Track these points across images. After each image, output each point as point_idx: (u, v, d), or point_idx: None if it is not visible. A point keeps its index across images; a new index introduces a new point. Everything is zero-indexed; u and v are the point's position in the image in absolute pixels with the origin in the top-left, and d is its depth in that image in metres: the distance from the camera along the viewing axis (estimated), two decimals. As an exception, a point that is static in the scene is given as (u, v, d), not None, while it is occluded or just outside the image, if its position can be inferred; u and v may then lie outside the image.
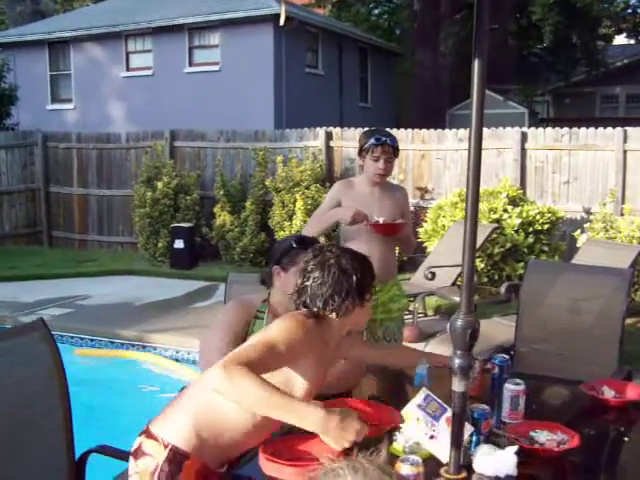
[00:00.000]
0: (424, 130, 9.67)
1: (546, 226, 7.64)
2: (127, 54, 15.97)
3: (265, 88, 14.32)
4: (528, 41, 20.94)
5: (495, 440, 2.17)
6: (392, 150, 3.64)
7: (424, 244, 7.97)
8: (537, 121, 17.95)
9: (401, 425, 2.15)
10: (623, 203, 8.21)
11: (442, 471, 2.00)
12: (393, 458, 1.90)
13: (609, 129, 8.57)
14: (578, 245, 7.03)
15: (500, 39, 18.99)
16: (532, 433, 2.22)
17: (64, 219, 12.31)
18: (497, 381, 2.56)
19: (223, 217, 10.15)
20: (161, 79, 15.24)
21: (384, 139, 3.60)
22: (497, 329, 5.00)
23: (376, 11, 25.02)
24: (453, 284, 6.29)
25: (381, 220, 3.60)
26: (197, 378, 2.19)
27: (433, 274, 6.03)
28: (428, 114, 16.39)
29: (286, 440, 2.09)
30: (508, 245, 7.39)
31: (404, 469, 1.78)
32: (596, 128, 8.69)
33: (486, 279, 7.32)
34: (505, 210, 7.62)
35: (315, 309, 2.15)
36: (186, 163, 11.20)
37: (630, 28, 23.50)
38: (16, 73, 15.43)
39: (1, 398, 2.21)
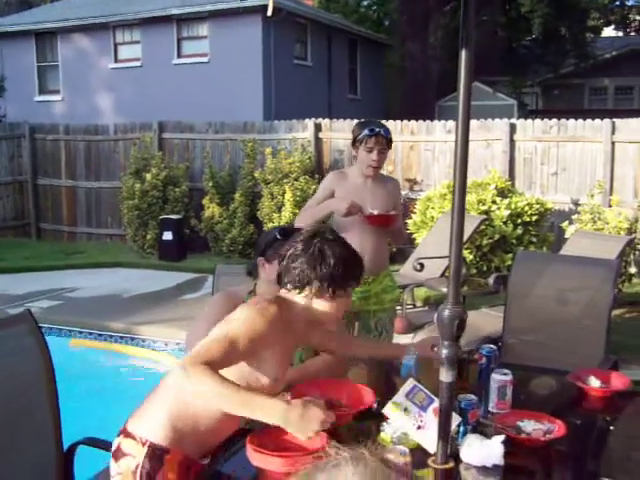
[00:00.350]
0: (413, 121, 9.67)
1: (534, 217, 7.66)
2: (115, 45, 15.89)
3: (254, 79, 14.29)
4: (517, 33, 20.96)
5: (482, 430, 2.19)
6: (385, 141, 3.64)
7: (413, 235, 7.97)
8: (526, 113, 18.00)
9: (374, 406, 2.19)
10: (611, 194, 8.25)
11: (430, 461, 2.01)
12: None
13: (597, 121, 8.60)
14: (566, 236, 7.05)
15: (489, 31, 19.04)
16: (519, 423, 2.24)
17: (52, 211, 12.25)
18: (484, 371, 2.57)
19: (212, 209, 10.13)
20: (149, 70, 15.17)
21: (378, 130, 3.60)
22: (485, 320, 5.02)
23: (365, 2, 24.98)
24: (442, 275, 6.30)
25: (375, 212, 3.60)
26: (168, 373, 2.16)
27: (422, 265, 6.04)
28: (417, 106, 16.40)
29: (273, 431, 2.09)
30: (497, 236, 7.41)
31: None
32: (584, 120, 8.72)
33: (475, 270, 7.34)
34: (494, 201, 7.63)
35: (282, 285, 2.13)
36: (175, 155, 11.17)
37: (618, 20, 23.59)
38: (3, 64, 15.36)
39: (-12, 390, 2.21)
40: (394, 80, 20.36)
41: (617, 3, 23.18)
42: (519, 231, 7.50)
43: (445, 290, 1.95)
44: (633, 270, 7.14)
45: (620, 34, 25.68)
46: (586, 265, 3.89)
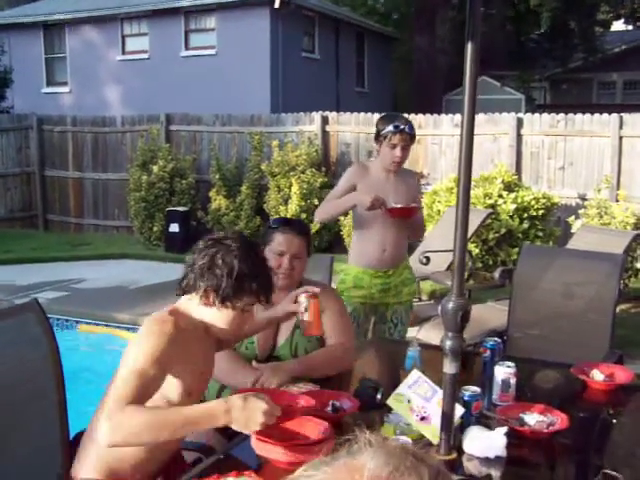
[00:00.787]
0: (420, 115, 9.66)
1: (541, 212, 7.65)
2: (123, 37, 15.88)
3: (261, 72, 14.27)
4: (525, 27, 20.85)
5: (485, 422, 2.20)
6: (409, 138, 3.62)
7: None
8: (534, 107, 17.92)
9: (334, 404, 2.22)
10: (618, 189, 8.23)
11: (433, 452, 2.02)
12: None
13: (605, 115, 8.57)
14: (573, 231, 7.04)
15: (497, 25, 18.94)
16: (522, 415, 2.24)
17: (59, 203, 12.29)
18: (488, 364, 2.58)
19: (218, 201, 10.14)
20: (157, 63, 15.16)
21: (402, 127, 3.57)
22: (491, 313, 5.02)
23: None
24: (447, 269, 6.30)
25: (398, 205, 3.60)
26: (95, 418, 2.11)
27: (428, 259, 6.03)
28: (425, 99, 16.36)
29: (277, 420, 2.11)
30: (503, 230, 7.41)
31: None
32: (592, 114, 8.69)
33: (481, 264, 7.34)
34: (500, 195, 7.62)
35: (182, 290, 2.10)
36: (182, 147, 11.18)
37: (628, 14, 23.41)
38: (11, 55, 15.35)
39: (-5, 378, 2.22)
40: (402, 73, 20.32)
41: (627, -4, 23.04)
42: (525, 225, 7.49)
43: (450, 283, 1.96)
44: (639, 265, 7.13)
45: (630, 28, 25.52)
46: (591, 259, 3.88)
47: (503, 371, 2.41)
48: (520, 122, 9.03)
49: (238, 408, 1.85)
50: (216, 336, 2.13)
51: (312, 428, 2.06)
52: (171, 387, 2.02)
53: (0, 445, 2.20)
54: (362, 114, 10.18)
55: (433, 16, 17.79)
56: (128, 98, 15.10)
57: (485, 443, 2.05)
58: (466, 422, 2.15)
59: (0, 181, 12.03)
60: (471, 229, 6.46)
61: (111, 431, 1.82)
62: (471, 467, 2.03)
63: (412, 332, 5.08)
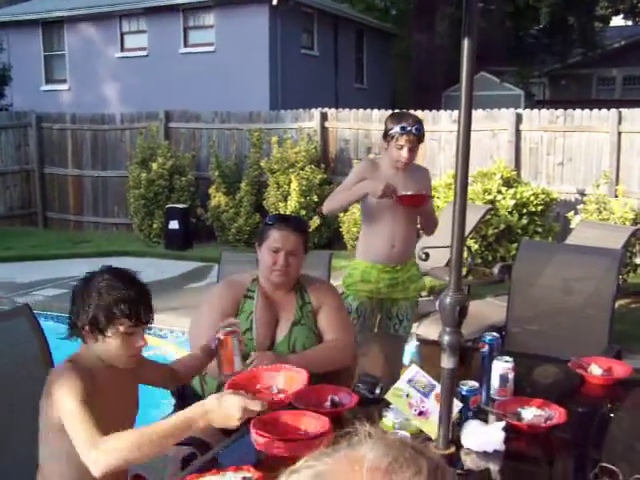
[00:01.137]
0: (418, 111, 9.62)
1: (540, 207, 7.66)
2: (121, 35, 15.88)
3: (260, 69, 14.27)
4: (524, 22, 20.84)
5: (483, 416, 2.21)
6: (417, 139, 3.59)
7: (418, 225, 7.97)
8: (533, 103, 17.94)
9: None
10: (617, 185, 8.23)
11: (431, 446, 2.03)
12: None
13: (604, 111, 8.57)
14: (572, 226, 7.05)
15: (496, 20, 18.94)
16: (520, 409, 2.25)
17: (59, 200, 12.29)
18: (487, 359, 2.59)
19: (218, 198, 10.14)
20: (156, 60, 15.16)
21: (409, 128, 3.54)
22: (490, 309, 5.03)
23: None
24: (446, 265, 6.31)
25: (409, 192, 3.58)
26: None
27: (427, 255, 6.03)
28: (424, 95, 16.34)
29: (277, 415, 2.12)
30: (502, 226, 7.41)
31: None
32: (591, 110, 8.69)
33: (480, 260, 7.35)
34: (499, 191, 7.63)
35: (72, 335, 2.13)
36: (181, 144, 11.19)
37: (627, 9, 23.39)
38: (10, 53, 15.36)
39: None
40: (401, 70, 20.30)
41: (626, -8, 23.02)
42: (524, 221, 7.50)
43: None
44: (638, 260, 7.13)
45: (629, 23, 25.50)
46: (590, 255, 3.89)
47: (501, 366, 2.42)
48: (519, 118, 9.03)
49: (214, 408, 1.88)
50: (120, 366, 2.15)
51: (311, 422, 2.07)
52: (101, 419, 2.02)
53: (0, 445, 2.22)
54: (361, 110, 10.18)
55: (432, 12, 17.77)
56: (127, 95, 15.10)
57: (483, 437, 2.06)
58: (464, 417, 2.16)
59: (-1, 179, 12.04)
60: (470, 225, 6.46)
61: (102, 457, 1.85)
62: (469, 461, 2.04)
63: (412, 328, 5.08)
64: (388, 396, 2.14)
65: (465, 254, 5.98)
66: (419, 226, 3.95)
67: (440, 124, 9.50)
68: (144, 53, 15.46)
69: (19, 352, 2.45)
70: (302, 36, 15.83)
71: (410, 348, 2.42)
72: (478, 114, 8.93)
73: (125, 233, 11.45)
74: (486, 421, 2.18)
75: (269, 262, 2.75)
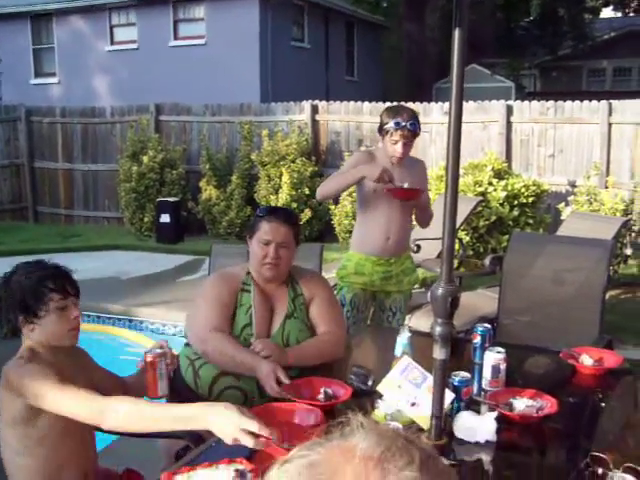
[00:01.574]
0: (410, 103, 9.63)
1: (531, 199, 7.67)
2: (111, 28, 15.79)
3: (251, 61, 14.23)
4: (515, 14, 20.84)
5: (475, 407, 2.22)
6: (411, 134, 3.59)
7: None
8: (524, 95, 17.95)
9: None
10: (607, 176, 8.26)
11: (423, 437, 2.03)
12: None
13: (594, 102, 8.59)
14: (562, 218, 7.07)
15: (487, 12, 18.92)
16: (512, 400, 2.26)
17: (49, 194, 12.24)
18: (479, 350, 2.60)
19: (209, 191, 10.13)
20: (146, 53, 15.09)
21: (403, 124, 3.53)
22: (481, 301, 5.04)
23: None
24: (438, 256, 6.32)
25: (405, 185, 3.58)
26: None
27: (418, 247, 6.04)
28: (414, 87, 16.36)
29: (267, 410, 2.12)
30: (493, 218, 7.43)
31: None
32: (582, 101, 8.71)
33: (471, 252, 7.36)
34: (490, 183, 7.64)
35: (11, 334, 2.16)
36: (172, 137, 11.15)
37: (617, 1, 23.44)
38: (-2, 46, 15.27)
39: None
40: (392, 62, 20.28)
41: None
42: (515, 213, 7.51)
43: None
44: (629, 251, 7.16)
45: (619, 15, 25.55)
46: (581, 246, 3.90)
47: (493, 357, 2.43)
48: (510, 110, 9.05)
49: (217, 418, 1.82)
50: (65, 343, 2.18)
51: (304, 415, 2.08)
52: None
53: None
54: (352, 103, 10.17)
55: (423, 4, 17.77)
56: (117, 88, 15.04)
57: (475, 428, 2.07)
58: (456, 407, 2.17)
59: (-11, 173, 11.99)
60: (461, 217, 6.47)
61: (110, 413, 1.89)
62: (462, 452, 2.05)
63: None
64: (380, 387, 2.15)
65: (456, 246, 5.98)
66: (414, 218, 3.95)
67: (431, 116, 9.49)
68: (134, 46, 15.39)
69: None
70: (292, 28, 15.79)
71: (402, 340, 2.42)
72: (469, 106, 8.93)
73: (116, 227, 11.42)
74: (478, 412, 2.19)
75: (260, 255, 2.74)
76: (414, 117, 3.59)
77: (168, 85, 13.96)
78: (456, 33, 1.84)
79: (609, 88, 20.57)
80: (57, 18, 16.10)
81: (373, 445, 0.76)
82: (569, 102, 8.78)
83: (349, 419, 0.83)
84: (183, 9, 15.05)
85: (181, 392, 2.80)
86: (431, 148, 9.47)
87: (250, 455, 1.95)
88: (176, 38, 15.05)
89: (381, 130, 3.63)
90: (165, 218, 10.05)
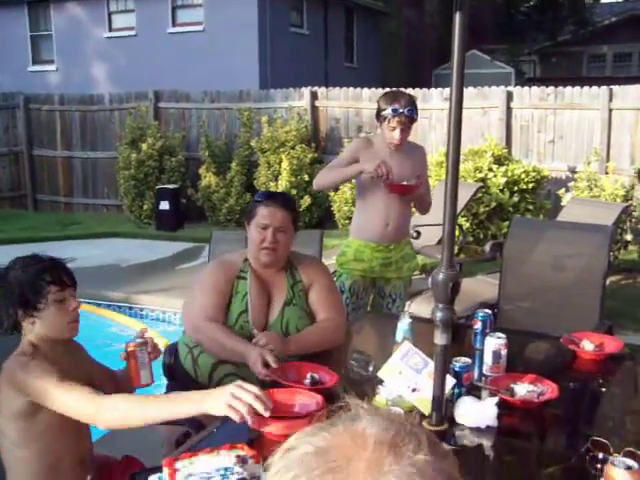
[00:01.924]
0: (409, 89, 9.61)
1: (531, 185, 7.66)
2: (109, 14, 15.70)
3: (250, 48, 14.16)
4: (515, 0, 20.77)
5: (476, 392, 2.21)
6: (409, 120, 3.58)
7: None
8: (524, 81, 17.90)
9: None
10: (607, 162, 8.24)
11: (424, 423, 2.03)
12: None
13: (595, 88, 8.56)
14: (563, 204, 7.06)
15: (487, -3, 18.84)
16: (512, 385, 2.26)
17: (48, 182, 12.22)
18: (479, 335, 2.59)
19: (208, 178, 10.11)
20: (144, 40, 15.01)
21: (401, 110, 3.52)
22: (481, 287, 5.04)
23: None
24: (438, 243, 6.31)
25: (405, 182, 3.58)
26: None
27: (418, 233, 6.03)
28: (414, 74, 16.31)
29: (269, 394, 2.12)
30: (493, 204, 7.42)
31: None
32: (582, 87, 8.68)
33: (471, 238, 7.36)
34: (490, 169, 7.62)
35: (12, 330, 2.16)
36: (171, 124, 11.12)
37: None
38: (-5, 33, 15.19)
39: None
40: (391, 48, 20.20)
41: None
42: (515, 199, 7.50)
43: (441, 257, 1.96)
44: (629, 237, 7.16)
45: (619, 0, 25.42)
46: (581, 231, 3.90)
47: (494, 342, 2.43)
48: (510, 95, 9.01)
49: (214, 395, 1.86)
50: (65, 336, 2.19)
51: (305, 401, 2.07)
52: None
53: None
54: (351, 89, 10.14)
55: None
56: (116, 75, 14.97)
57: (476, 414, 2.06)
58: (457, 393, 2.17)
59: (-12, 161, 11.96)
60: (461, 203, 6.46)
61: (108, 414, 1.91)
62: (462, 437, 2.05)
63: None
64: (381, 373, 2.14)
65: (456, 232, 5.98)
66: (413, 205, 3.94)
67: (431, 102, 9.46)
68: (132, 33, 15.31)
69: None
70: (291, 14, 15.71)
71: (402, 325, 2.42)
72: (469, 92, 8.90)
73: (115, 214, 11.41)
74: (479, 397, 2.19)
75: (257, 239, 2.73)
76: (412, 103, 3.58)
77: (167, 72, 13.89)
78: (457, 17, 1.83)
79: (609, 74, 20.48)
80: (55, 4, 16.00)
81: (383, 430, 0.76)
82: (569, 88, 8.74)
83: (348, 404, 0.82)
84: (181, -5, 14.98)
85: (181, 379, 2.81)
86: (431, 134, 9.44)
87: (251, 441, 1.95)
88: (174, 25, 14.98)
89: (379, 116, 3.63)
90: (164, 205, 10.04)
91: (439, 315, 1.95)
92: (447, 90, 9.26)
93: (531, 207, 7.61)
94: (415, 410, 2.06)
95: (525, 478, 1.97)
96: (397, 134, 3.57)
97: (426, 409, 2.04)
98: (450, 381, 2.09)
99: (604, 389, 2.52)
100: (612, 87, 8.48)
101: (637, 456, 1.69)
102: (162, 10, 14.90)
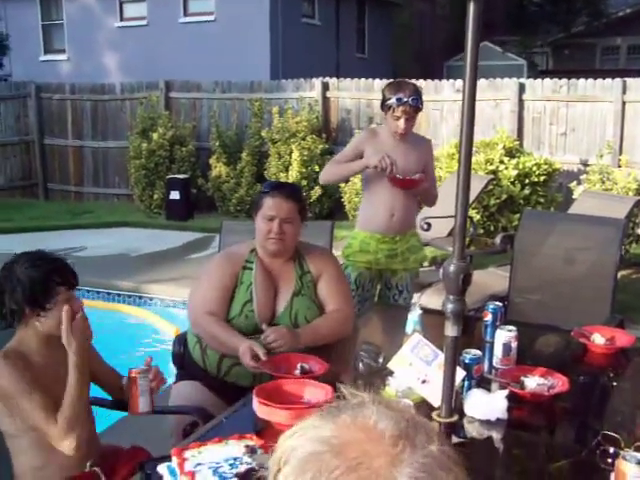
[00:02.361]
0: (421, 81, 9.55)
1: (542, 178, 7.62)
2: (121, 3, 15.68)
3: (261, 38, 14.13)
4: (528, -9, 20.65)
5: (486, 385, 2.21)
6: (413, 110, 3.56)
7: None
8: (536, 73, 17.79)
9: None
10: (620, 155, 8.18)
11: (434, 415, 2.03)
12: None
13: (608, 80, 8.49)
14: (574, 197, 7.01)
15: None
16: (523, 378, 2.25)
17: (59, 171, 12.24)
18: (490, 328, 2.59)
19: (219, 168, 10.11)
20: (155, 29, 15.00)
21: (405, 100, 3.50)
22: (492, 279, 5.03)
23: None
24: (448, 235, 6.29)
25: (413, 176, 3.57)
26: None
27: (429, 225, 6.02)
28: (425, 65, 16.25)
29: (279, 384, 2.12)
30: (504, 196, 7.38)
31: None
32: (595, 79, 8.62)
33: (482, 230, 7.33)
34: (501, 161, 7.59)
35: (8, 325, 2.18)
36: (181, 114, 11.12)
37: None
38: (7, 22, 15.19)
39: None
40: (402, 39, 20.12)
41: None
42: (527, 191, 7.47)
43: (451, 249, 1.95)
44: (640, 231, 7.12)
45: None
46: (593, 224, 3.88)
47: (504, 335, 2.42)
48: (522, 87, 8.96)
49: None
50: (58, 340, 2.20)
51: (314, 391, 2.07)
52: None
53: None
54: (362, 80, 10.10)
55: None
56: (127, 65, 14.97)
57: (486, 406, 2.06)
58: (467, 385, 2.16)
59: (-1, 150, 11.99)
60: (472, 195, 6.43)
61: (66, 431, 2.03)
62: (472, 430, 2.05)
63: (413, 298, 5.08)
64: (391, 365, 2.14)
65: (467, 224, 5.97)
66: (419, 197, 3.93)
67: (443, 93, 9.42)
68: (144, 22, 15.29)
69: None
70: (303, 5, 15.66)
71: (413, 317, 2.41)
72: (481, 83, 8.84)
73: (126, 204, 11.42)
74: (489, 390, 2.19)
75: (264, 230, 2.73)
76: (416, 92, 3.57)
77: (178, 62, 13.87)
78: (470, 8, 1.81)
79: (623, 66, 20.30)
80: (66, -6, 16.01)
81: (395, 423, 0.75)
82: (582, 80, 8.68)
83: (350, 394, 0.81)
84: (193, -15, 14.95)
85: (190, 368, 2.81)
86: (442, 126, 9.40)
87: (260, 431, 1.95)
88: (186, 14, 14.95)
89: (383, 106, 3.62)
90: (175, 195, 10.04)
91: (450, 307, 1.93)
92: (459, 82, 9.21)
93: (542, 200, 7.56)
94: (425, 402, 2.06)
95: (535, 471, 1.96)
96: (402, 123, 3.55)
97: (436, 401, 2.03)
98: (460, 373, 2.09)
99: (615, 383, 2.51)
100: (626, 79, 8.41)
101: (648, 451, 1.68)
102: (173, 0, 14.88)
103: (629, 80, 8.38)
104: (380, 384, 2.18)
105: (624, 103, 8.31)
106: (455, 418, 2.02)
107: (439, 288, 5.87)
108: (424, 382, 2.08)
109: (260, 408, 1.96)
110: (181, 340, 2.96)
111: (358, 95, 10.05)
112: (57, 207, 11.36)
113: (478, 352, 2.24)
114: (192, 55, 14.12)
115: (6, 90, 12.29)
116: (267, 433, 1.92)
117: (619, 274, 3.88)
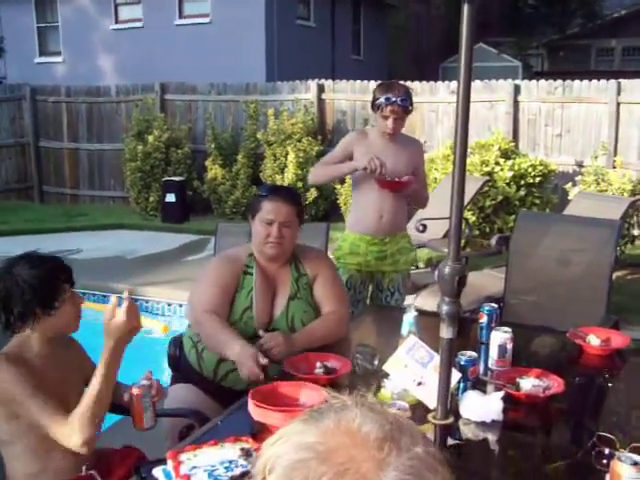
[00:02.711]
0: (416, 82, 9.57)
1: (538, 179, 7.63)
2: (116, 6, 15.66)
3: (256, 40, 14.13)
4: (523, -8, 20.65)
5: (482, 386, 2.21)
6: (402, 110, 3.58)
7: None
8: (531, 74, 17.81)
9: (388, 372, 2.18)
10: (615, 156, 8.19)
11: (429, 417, 2.02)
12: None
13: (603, 81, 8.51)
14: (570, 198, 7.02)
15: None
16: (518, 379, 2.25)
17: (55, 174, 12.22)
18: (485, 329, 2.59)
19: (215, 170, 10.10)
20: (151, 31, 14.97)
21: (394, 99, 3.52)
22: (487, 281, 5.03)
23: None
24: (444, 236, 6.29)
25: (400, 178, 3.58)
26: None
27: (424, 226, 6.02)
28: (421, 67, 16.26)
29: (274, 387, 2.12)
30: (500, 198, 7.39)
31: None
32: (590, 81, 8.63)
33: (477, 232, 7.33)
34: (497, 163, 7.60)
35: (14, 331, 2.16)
36: (177, 116, 11.11)
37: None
38: (2, 25, 15.16)
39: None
40: (398, 41, 20.13)
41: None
42: (522, 192, 7.47)
43: (447, 250, 1.95)
44: (636, 232, 7.12)
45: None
46: (588, 225, 3.88)
47: (500, 336, 2.42)
48: (517, 89, 8.97)
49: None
50: (72, 331, 2.24)
51: (309, 394, 2.07)
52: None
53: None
54: (358, 82, 10.11)
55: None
56: (122, 67, 14.95)
57: (482, 408, 2.06)
58: (463, 387, 2.16)
59: (-6, 152, 11.97)
60: (468, 196, 6.44)
61: (79, 430, 1.98)
62: (468, 431, 2.05)
63: (409, 300, 5.08)
64: (387, 366, 2.14)
65: (462, 226, 5.97)
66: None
67: (438, 95, 9.44)
68: (139, 24, 15.27)
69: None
70: (298, 6, 15.66)
71: (408, 319, 2.41)
72: (476, 85, 8.85)
73: (122, 206, 11.41)
74: (485, 391, 2.19)
75: (262, 234, 2.72)
76: (406, 93, 3.59)
77: (173, 64, 13.86)
78: (465, 9, 1.81)
79: (618, 68, 20.33)
80: (61, -4, 15.99)
81: (379, 426, 0.75)
82: (577, 81, 8.69)
83: (332, 396, 0.81)
84: (188, -13, 14.94)
85: (185, 371, 2.80)
86: (437, 127, 9.41)
87: (256, 433, 1.95)
88: (181, 16, 14.94)
89: (373, 105, 3.63)
90: (170, 197, 10.04)
91: (445, 308, 1.93)
92: (454, 83, 9.22)
93: (538, 201, 7.57)
94: (420, 404, 2.06)
95: (530, 473, 1.96)
96: (390, 123, 3.57)
97: (431, 403, 2.03)
98: (456, 375, 2.09)
99: (610, 384, 2.51)
100: (620, 81, 8.43)
101: (644, 452, 1.68)
102: (169, 2, 14.86)
103: (624, 81, 8.40)
104: (376, 386, 2.18)
105: (619, 104, 8.33)
106: (451, 420, 2.01)
107: (434, 290, 5.87)
108: (420, 384, 2.07)
109: (255, 410, 1.96)
110: (176, 343, 2.96)
111: (353, 97, 10.06)
112: (53, 210, 11.34)
113: (473, 354, 2.24)
114: (187, 57, 14.10)
115: (1, 92, 12.27)
116: (263, 436, 1.91)
117: (614, 275, 3.89)
